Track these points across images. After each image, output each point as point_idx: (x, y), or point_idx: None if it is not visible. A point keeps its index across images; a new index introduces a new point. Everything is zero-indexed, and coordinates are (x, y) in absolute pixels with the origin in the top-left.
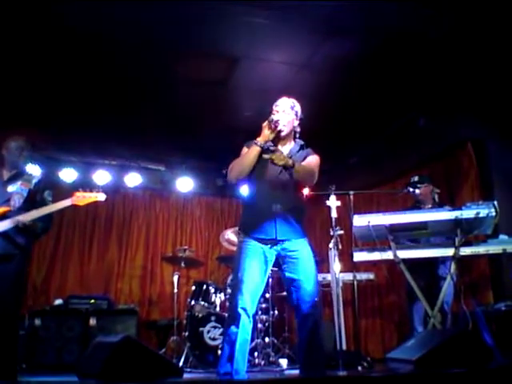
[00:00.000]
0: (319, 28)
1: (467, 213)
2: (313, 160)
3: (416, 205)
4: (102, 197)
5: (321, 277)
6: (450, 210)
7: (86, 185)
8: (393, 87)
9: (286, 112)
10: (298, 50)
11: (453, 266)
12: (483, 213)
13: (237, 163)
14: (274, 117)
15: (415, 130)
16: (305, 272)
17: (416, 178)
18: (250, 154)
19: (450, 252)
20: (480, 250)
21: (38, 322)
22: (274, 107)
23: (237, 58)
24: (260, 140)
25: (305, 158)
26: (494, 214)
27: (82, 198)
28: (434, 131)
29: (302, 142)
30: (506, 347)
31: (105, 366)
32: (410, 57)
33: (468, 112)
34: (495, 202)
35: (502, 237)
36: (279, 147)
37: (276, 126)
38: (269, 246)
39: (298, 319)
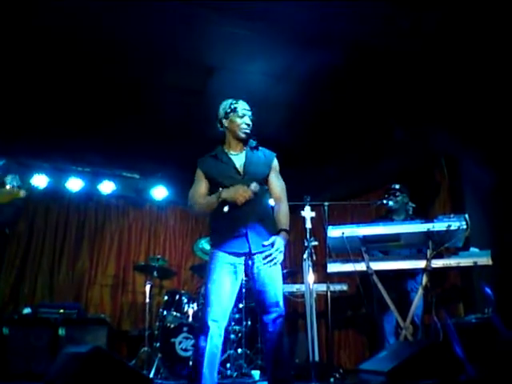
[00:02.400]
0: (297, 40)
1: (439, 225)
2: (279, 176)
3: (388, 216)
4: (22, 194)
5: (294, 287)
6: (422, 223)
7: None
8: (369, 100)
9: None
10: (275, 61)
11: (424, 278)
12: (454, 225)
13: (198, 207)
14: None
15: (390, 143)
16: (271, 284)
17: (397, 186)
18: (211, 204)
19: (421, 264)
20: (451, 262)
21: (5, 330)
22: (243, 108)
23: (214, 68)
24: (223, 196)
25: (269, 167)
26: (465, 226)
27: (3, 195)
28: (408, 145)
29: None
30: (476, 359)
31: (73, 377)
32: (386, 70)
33: (442, 127)
34: (466, 216)
35: (473, 250)
36: (231, 153)
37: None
38: (242, 258)
39: (263, 331)
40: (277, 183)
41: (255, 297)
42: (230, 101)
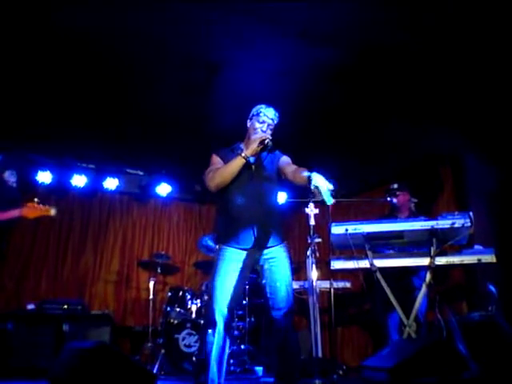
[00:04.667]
0: (301, 37)
1: (443, 223)
2: (290, 160)
3: (393, 213)
4: (53, 212)
5: (298, 284)
6: (425, 220)
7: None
8: (373, 97)
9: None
10: (279, 58)
11: (428, 276)
12: (458, 223)
13: (219, 173)
14: (269, 142)
15: (394, 140)
16: (281, 279)
17: (395, 186)
18: (235, 165)
19: (425, 261)
20: (455, 259)
21: (9, 326)
22: (265, 115)
23: (217, 65)
24: (247, 153)
25: (277, 163)
26: (469, 224)
27: (33, 210)
28: (412, 143)
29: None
30: (479, 357)
31: (77, 373)
32: (391, 67)
33: (446, 125)
34: (470, 213)
35: (477, 247)
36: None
37: (267, 146)
38: (247, 253)
39: (271, 326)
40: (291, 164)
41: (265, 293)
42: (261, 105)
